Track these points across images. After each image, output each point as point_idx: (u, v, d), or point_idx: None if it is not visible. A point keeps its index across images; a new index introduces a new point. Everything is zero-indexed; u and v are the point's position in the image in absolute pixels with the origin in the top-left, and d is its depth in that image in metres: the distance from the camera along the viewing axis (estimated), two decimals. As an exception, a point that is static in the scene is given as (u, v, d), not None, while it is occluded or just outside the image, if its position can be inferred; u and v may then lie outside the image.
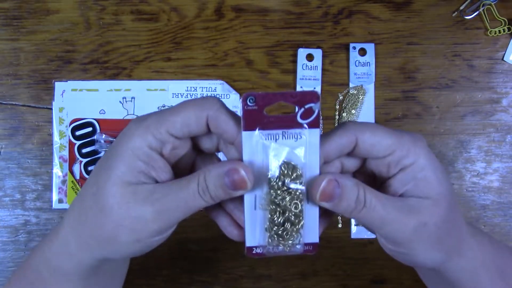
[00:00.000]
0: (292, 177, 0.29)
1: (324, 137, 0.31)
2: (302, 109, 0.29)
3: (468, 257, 0.33)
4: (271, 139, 0.30)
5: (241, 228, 0.33)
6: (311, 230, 0.31)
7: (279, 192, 0.30)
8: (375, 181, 0.33)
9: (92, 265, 0.32)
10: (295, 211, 0.30)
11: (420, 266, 0.35)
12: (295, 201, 0.30)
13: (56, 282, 0.34)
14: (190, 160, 0.33)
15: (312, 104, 0.29)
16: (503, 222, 0.56)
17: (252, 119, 0.29)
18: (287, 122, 0.30)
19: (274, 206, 0.30)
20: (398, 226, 0.29)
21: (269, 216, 0.30)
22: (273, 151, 0.30)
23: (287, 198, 0.30)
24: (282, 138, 0.30)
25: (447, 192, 0.30)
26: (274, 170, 0.30)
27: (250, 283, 0.56)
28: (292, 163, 0.30)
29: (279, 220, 0.30)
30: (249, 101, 0.29)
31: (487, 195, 0.56)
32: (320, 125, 0.29)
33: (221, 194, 0.29)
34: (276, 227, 0.31)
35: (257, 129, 0.29)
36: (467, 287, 0.34)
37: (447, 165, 0.56)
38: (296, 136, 0.30)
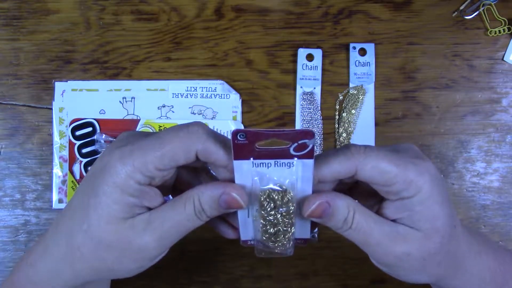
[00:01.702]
0: (283, 201, 0.29)
1: (322, 158, 0.30)
2: (296, 144, 0.28)
3: (464, 279, 0.33)
4: (263, 166, 0.29)
5: (236, 228, 0.33)
6: (302, 229, 0.32)
7: (271, 213, 0.30)
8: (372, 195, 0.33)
9: (78, 285, 0.33)
10: (286, 226, 0.30)
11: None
12: (286, 219, 0.30)
13: None
14: (177, 175, 0.33)
15: (306, 140, 0.28)
16: (503, 222, 0.56)
17: (243, 152, 0.28)
18: (279, 154, 0.29)
19: (265, 222, 0.30)
20: (382, 250, 0.29)
21: (261, 226, 0.31)
22: (264, 178, 0.29)
23: (278, 216, 0.30)
24: (274, 166, 0.29)
25: (443, 226, 0.29)
26: (265, 195, 0.29)
27: (250, 283, 0.56)
28: (284, 187, 0.29)
29: (270, 231, 0.31)
30: (239, 136, 0.27)
31: (487, 195, 0.56)
32: (315, 154, 0.28)
33: (217, 214, 0.30)
34: (268, 235, 0.31)
35: (250, 159, 0.29)
36: None
37: (447, 165, 0.56)
38: (288, 165, 0.29)
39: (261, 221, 0.30)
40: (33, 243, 0.56)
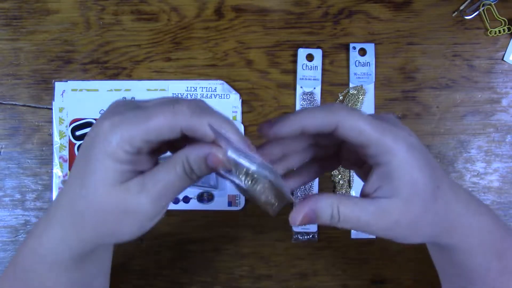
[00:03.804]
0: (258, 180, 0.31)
1: (309, 110, 0.32)
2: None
3: (462, 236, 0.34)
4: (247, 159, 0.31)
5: None
6: (280, 197, 0.33)
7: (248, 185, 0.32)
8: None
9: (86, 251, 0.34)
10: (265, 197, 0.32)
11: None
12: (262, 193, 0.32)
13: (47, 274, 0.35)
14: None
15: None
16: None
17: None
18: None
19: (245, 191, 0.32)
20: (374, 227, 0.31)
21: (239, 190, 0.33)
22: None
23: (256, 188, 0.32)
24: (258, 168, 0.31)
25: (423, 190, 0.31)
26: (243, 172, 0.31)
27: (250, 283, 0.56)
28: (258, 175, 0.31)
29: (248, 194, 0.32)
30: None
31: (487, 195, 0.56)
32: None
33: (206, 173, 0.31)
34: (248, 196, 0.33)
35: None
36: (460, 260, 0.36)
37: (447, 165, 0.56)
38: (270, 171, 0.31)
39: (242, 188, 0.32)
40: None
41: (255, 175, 0.31)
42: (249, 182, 0.31)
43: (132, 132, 0.29)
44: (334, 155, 0.37)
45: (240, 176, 0.31)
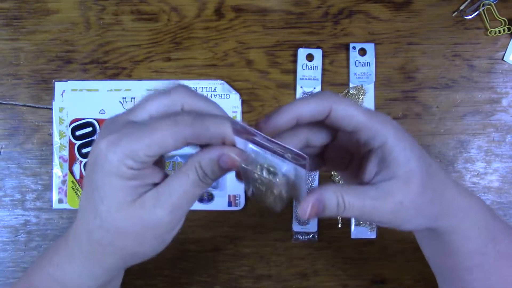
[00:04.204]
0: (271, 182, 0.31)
1: (303, 99, 0.32)
2: (290, 155, 0.30)
3: (459, 217, 0.35)
4: (259, 149, 0.30)
5: None
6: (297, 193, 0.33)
7: (261, 187, 0.31)
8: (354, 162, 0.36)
9: (111, 278, 0.34)
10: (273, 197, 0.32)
11: (409, 231, 0.36)
12: (274, 197, 0.31)
13: None
14: None
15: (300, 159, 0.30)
16: (503, 222, 0.56)
17: (241, 134, 0.30)
18: (274, 151, 0.30)
19: (256, 187, 0.32)
20: (378, 213, 0.32)
21: (252, 187, 0.32)
22: (260, 155, 0.30)
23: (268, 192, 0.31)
24: (271, 155, 0.30)
25: (418, 167, 0.32)
26: (258, 168, 0.30)
27: (250, 283, 0.56)
28: (274, 170, 0.30)
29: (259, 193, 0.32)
30: (237, 125, 0.29)
31: (487, 195, 0.56)
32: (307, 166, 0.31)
33: (220, 175, 0.31)
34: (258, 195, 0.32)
35: (247, 141, 0.30)
36: (458, 246, 0.36)
37: (447, 165, 0.56)
38: (283, 160, 0.30)
39: (253, 185, 0.32)
40: (33, 243, 0.56)
41: (272, 169, 0.30)
42: (268, 175, 0.30)
43: (133, 146, 0.28)
44: (320, 156, 0.37)
45: (258, 170, 0.30)
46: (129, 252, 0.31)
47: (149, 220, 0.30)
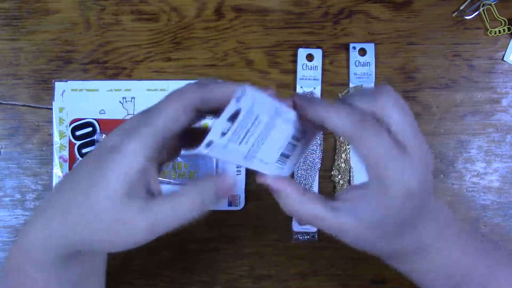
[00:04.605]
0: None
1: (329, 106, 0.32)
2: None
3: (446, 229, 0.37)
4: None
5: None
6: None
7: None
8: None
9: (69, 253, 0.33)
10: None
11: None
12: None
13: (33, 272, 0.34)
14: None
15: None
16: (503, 222, 0.56)
17: None
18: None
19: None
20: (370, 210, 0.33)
21: None
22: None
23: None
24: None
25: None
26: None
27: (250, 283, 0.56)
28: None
29: None
30: None
31: (487, 195, 0.56)
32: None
33: (216, 203, 0.32)
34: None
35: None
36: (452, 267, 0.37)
37: (447, 165, 0.56)
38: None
39: None
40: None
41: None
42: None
43: (149, 129, 0.29)
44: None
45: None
46: (95, 238, 0.31)
47: (127, 223, 0.30)
